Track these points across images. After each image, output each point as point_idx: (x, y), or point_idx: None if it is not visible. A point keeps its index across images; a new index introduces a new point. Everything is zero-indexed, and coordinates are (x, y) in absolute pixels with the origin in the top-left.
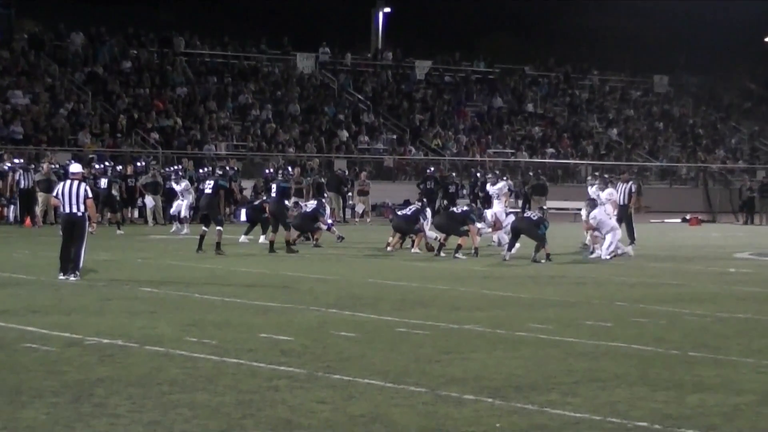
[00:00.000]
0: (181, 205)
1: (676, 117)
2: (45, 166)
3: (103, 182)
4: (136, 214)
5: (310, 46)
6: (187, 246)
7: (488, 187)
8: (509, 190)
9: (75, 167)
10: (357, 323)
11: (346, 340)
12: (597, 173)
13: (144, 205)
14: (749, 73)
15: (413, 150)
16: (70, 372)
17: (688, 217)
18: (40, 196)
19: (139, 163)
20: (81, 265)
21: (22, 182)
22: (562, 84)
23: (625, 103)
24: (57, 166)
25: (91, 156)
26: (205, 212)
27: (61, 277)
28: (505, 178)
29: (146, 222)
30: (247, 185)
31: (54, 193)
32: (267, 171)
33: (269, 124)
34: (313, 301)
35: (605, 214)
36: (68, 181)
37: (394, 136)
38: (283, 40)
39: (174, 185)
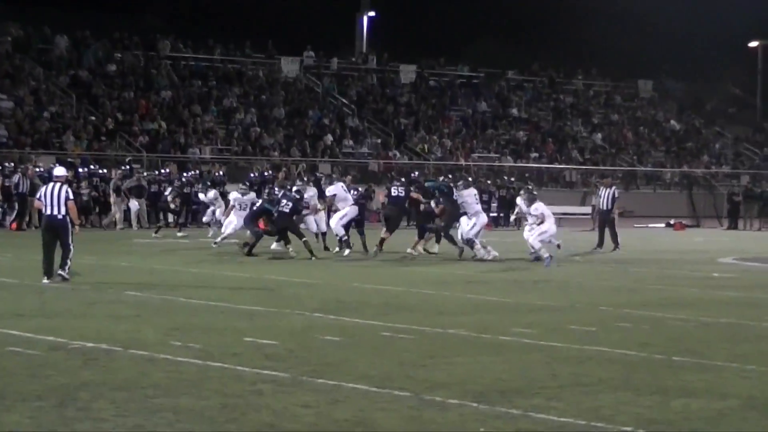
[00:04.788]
0: (214, 212)
1: (660, 122)
2: (29, 169)
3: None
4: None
5: (294, 50)
6: (171, 250)
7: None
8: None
9: (59, 170)
10: (341, 327)
11: (331, 345)
12: (529, 186)
13: (128, 209)
14: (733, 79)
15: (398, 154)
16: (54, 376)
17: (672, 222)
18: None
19: (123, 167)
20: (69, 263)
21: (21, 186)
22: (546, 89)
23: (609, 107)
24: (41, 169)
25: (70, 160)
26: (282, 227)
27: (45, 281)
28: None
29: (131, 226)
30: (231, 189)
31: (37, 196)
32: (252, 175)
33: (254, 128)
34: (297, 305)
35: (342, 190)
36: (51, 184)
37: (379, 141)
38: (268, 44)
39: (202, 196)
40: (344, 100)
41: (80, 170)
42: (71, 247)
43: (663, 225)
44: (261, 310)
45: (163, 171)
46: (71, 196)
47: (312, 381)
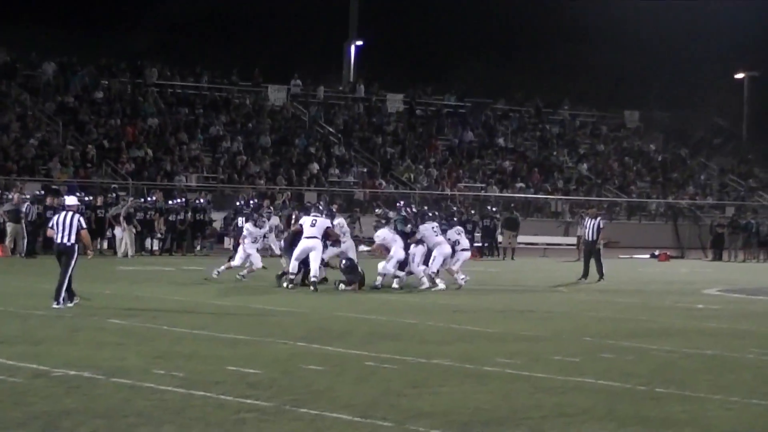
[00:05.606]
0: (272, 241)
1: (646, 152)
2: (15, 196)
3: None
4: (105, 245)
5: (281, 78)
6: (156, 277)
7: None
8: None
9: (71, 199)
10: (325, 356)
11: (314, 374)
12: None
13: (113, 236)
14: (719, 109)
15: (384, 183)
16: (37, 403)
17: (657, 252)
18: (9, 227)
19: (109, 195)
20: (63, 290)
21: (31, 214)
22: (532, 118)
23: (595, 138)
24: (27, 196)
25: (54, 187)
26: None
27: (69, 304)
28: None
29: (115, 253)
30: (218, 217)
31: (50, 224)
32: (238, 203)
33: (240, 155)
34: (281, 334)
35: (390, 232)
36: (63, 213)
37: (365, 169)
38: (255, 72)
39: (260, 227)
40: (331, 129)
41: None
42: (69, 275)
43: (648, 256)
44: (245, 338)
45: (149, 198)
46: (84, 225)
47: (295, 410)
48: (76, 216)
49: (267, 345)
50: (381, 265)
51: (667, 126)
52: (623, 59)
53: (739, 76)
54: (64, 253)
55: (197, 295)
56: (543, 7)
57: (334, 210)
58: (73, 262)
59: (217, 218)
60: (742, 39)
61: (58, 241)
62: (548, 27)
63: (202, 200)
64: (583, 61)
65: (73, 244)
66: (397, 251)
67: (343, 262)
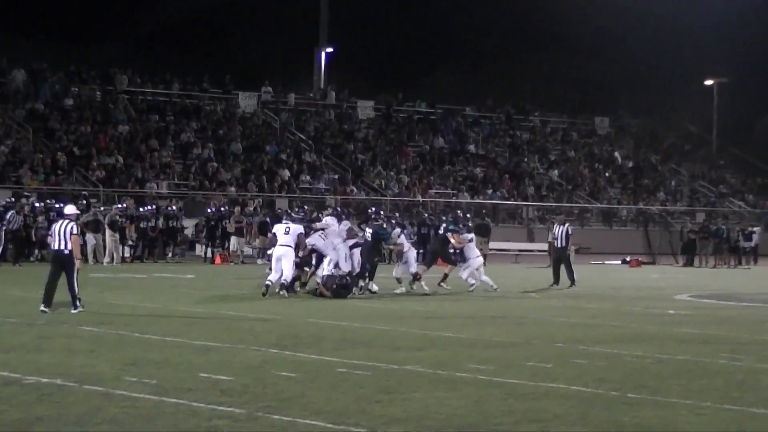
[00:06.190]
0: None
1: (616, 158)
2: None
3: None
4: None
5: (252, 85)
6: (127, 284)
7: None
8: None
9: (69, 209)
10: (297, 363)
11: (287, 380)
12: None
13: (85, 243)
14: (690, 116)
15: (355, 190)
16: (9, 411)
17: (628, 258)
18: None
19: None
20: (77, 295)
21: (14, 224)
22: (503, 125)
23: (566, 144)
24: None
25: (26, 194)
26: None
27: (42, 308)
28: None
29: (87, 260)
30: (189, 224)
31: (50, 232)
32: (209, 210)
33: (211, 162)
34: (253, 341)
35: (319, 238)
36: (61, 221)
37: (336, 176)
38: (226, 79)
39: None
40: (302, 136)
41: (37, 204)
42: (75, 285)
43: (619, 262)
44: (216, 345)
45: (120, 205)
46: (75, 231)
47: (268, 417)
48: (71, 224)
49: (239, 352)
50: (403, 269)
51: (637, 132)
52: (594, 66)
53: (709, 82)
54: (61, 261)
55: (169, 302)
56: (513, 14)
57: (345, 213)
58: (74, 269)
59: (189, 225)
60: (712, 45)
61: (55, 248)
62: (519, 34)
63: (174, 207)
64: (553, 67)
65: (70, 252)
66: (412, 252)
67: (337, 279)
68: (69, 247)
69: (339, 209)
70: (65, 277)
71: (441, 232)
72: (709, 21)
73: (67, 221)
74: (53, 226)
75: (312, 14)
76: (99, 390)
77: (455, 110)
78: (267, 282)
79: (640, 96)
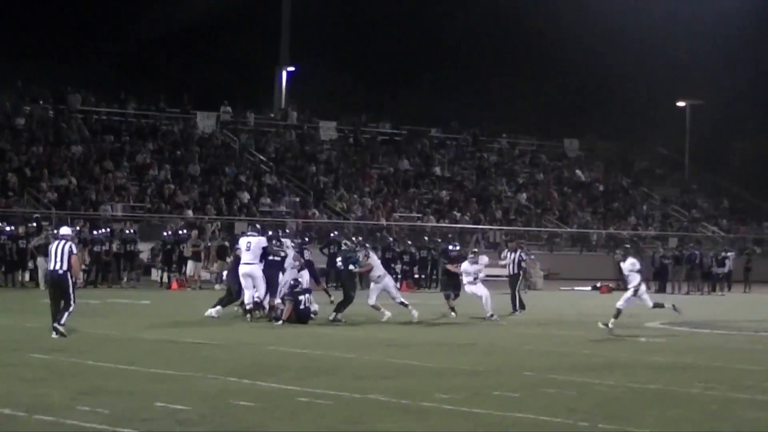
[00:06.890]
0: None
1: (587, 182)
2: None
3: None
4: (27, 276)
5: (210, 105)
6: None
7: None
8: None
9: (65, 230)
10: (257, 392)
11: (246, 410)
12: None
13: (36, 267)
14: (661, 139)
15: (317, 213)
16: None
17: (598, 284)
18: None
19: (30, 224)
20: (65, 321)
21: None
22: (470, 147)
23: (535, 167)
24: None
25: None
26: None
27: (54, 335)
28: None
29: (37, 285)
30: (144, 248)
31: (46, 253)
32: (165, 234)
33: (168, 184)
34: (212, 369)
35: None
36: (57, 242)
37: (297, 199)
38: (183, 98)
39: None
40: (262, 157)
41: None
42: (72, 301)
43: (589, 288)
44: (174, 373)
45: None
46: (75, 251)
47: None
48: (69, 243)
49: (197, 380)
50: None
51: (608, 155)
52: (563, 87)
53: (681, 104)
54: (57, 281)
55: (124, 328)
56: (480, 35)
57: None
58: (70, 287)
59: (144, 249)
60: (684, 67)
61: (51, 268)
62: (487, 55)
63: (130, 230)
64: (522, 89)
65: (65, 272)
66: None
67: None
68: (64, 267)
69: (258, 226)
70: (63, 298)
71: (339, 263)
72: (681, 42)
73: (64, 241)
74: (50, 246)
75: (273, 32)
76: (50, 420)
77: (420, 132)
78: (246, 306)
79: (611, 118)
